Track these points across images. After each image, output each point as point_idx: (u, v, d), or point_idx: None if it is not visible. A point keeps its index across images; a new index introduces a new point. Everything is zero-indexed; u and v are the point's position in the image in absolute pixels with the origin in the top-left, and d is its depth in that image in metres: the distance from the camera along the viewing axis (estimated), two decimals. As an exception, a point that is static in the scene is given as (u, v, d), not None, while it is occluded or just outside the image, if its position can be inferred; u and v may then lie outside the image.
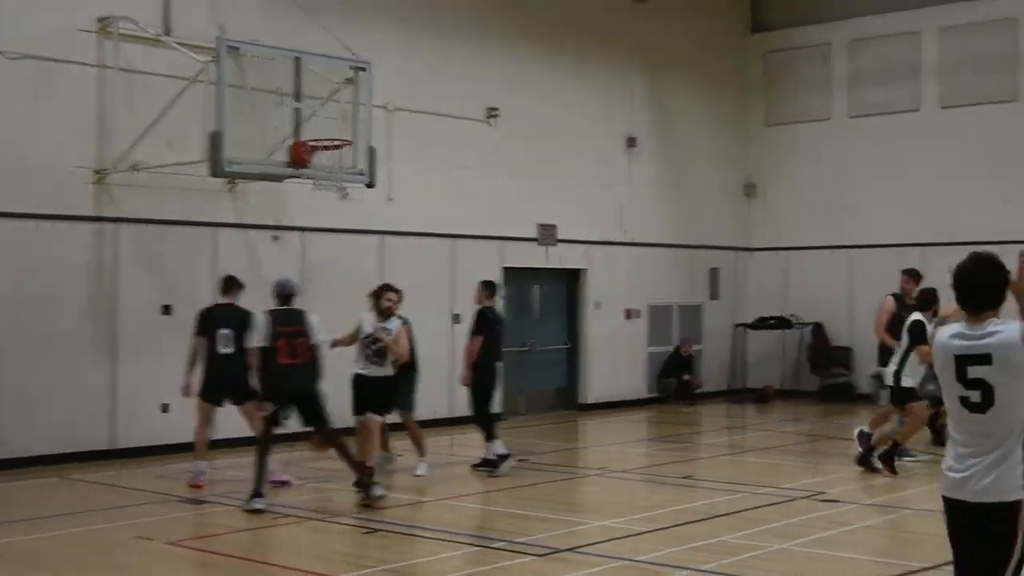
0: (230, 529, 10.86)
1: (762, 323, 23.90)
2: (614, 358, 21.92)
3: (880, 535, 10.57)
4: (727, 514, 11.35)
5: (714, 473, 14.70)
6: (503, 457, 13.94)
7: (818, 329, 23.58)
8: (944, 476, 5.70)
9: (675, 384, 22.63)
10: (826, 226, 23.73)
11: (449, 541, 10.31)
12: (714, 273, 24.19)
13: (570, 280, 21.57)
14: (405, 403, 13.78)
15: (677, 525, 10.80)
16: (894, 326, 14.71)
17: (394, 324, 12.88)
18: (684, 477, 13.91)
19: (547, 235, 20.60)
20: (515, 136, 19.89)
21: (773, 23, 24.80)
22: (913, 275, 15.49)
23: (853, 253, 23.33)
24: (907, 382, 13.67)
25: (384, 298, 12.94)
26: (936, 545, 9.95)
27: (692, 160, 23.70)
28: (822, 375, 23.41)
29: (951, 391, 5.70)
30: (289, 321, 11.83)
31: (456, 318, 18.41)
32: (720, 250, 24.31)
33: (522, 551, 9.71)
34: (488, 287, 14.53)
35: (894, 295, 15.33)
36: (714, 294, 24.19)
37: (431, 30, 18.85)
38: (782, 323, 23.71)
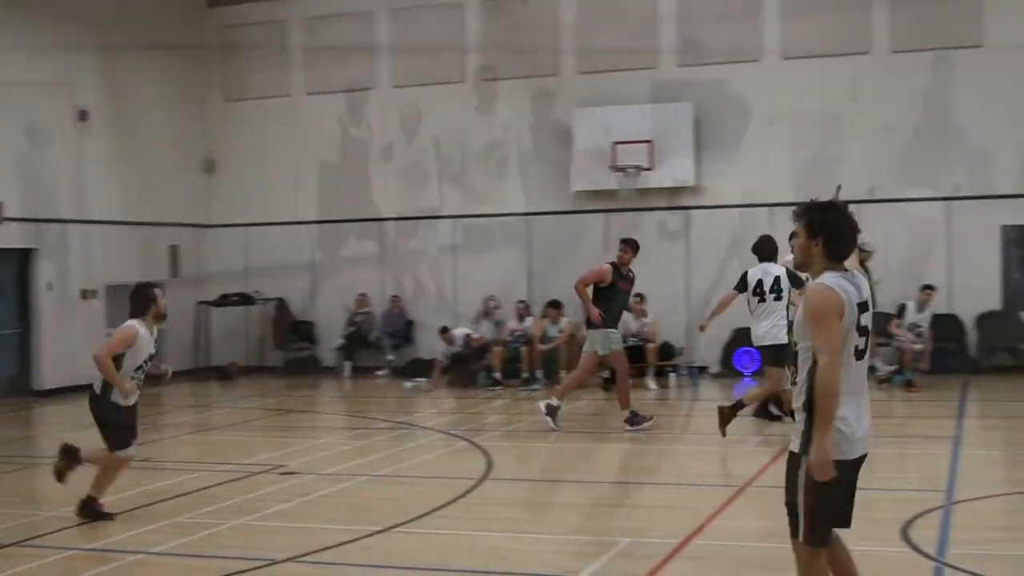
0: None
1: (225, 300, 23.72)
2: (70, 341, 20.98)
3: (336, 503, 10.82)
4: (186, 493, 11.23)
5: (176, 453, 14.51)
6: None
7: (281, 304, 23.78)
8: (853, 436, 5.50)
9: (137, 365, 22.04)
10: (287, 201, 23.95)
11: None
12: (174, 250, 23.74)
13: (20, 261, 20.41)
14: None
15: (134, 508, 10.54)
16: (603, 292, 14.56)
17: (154, 330, 10.74)
18: (144, 460, 13.54)
19: (-8, 213, 19.40)
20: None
21: (230, -3, 24.66)
22: (633, 246, 14.96)
23: (313, 228, 23.73)
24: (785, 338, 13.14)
25: (161, 300, 10.40)
26: (389, 509, 10.39)
27: (149, 135, 23.11)
28: (286, 350, 23.67)
29: (849, 342, 5.49)
30: None
31: None
32: (180, 227, 23.89)
33: (-38, 550, 9.12)
34: None
35: (612, 264, 14.87)
36: (175, 272, 23.73)
37: None
38: (245, 299, 23.68)
